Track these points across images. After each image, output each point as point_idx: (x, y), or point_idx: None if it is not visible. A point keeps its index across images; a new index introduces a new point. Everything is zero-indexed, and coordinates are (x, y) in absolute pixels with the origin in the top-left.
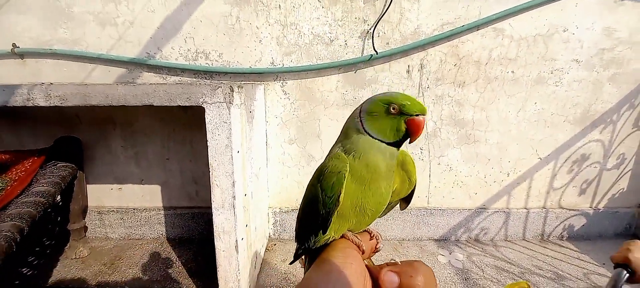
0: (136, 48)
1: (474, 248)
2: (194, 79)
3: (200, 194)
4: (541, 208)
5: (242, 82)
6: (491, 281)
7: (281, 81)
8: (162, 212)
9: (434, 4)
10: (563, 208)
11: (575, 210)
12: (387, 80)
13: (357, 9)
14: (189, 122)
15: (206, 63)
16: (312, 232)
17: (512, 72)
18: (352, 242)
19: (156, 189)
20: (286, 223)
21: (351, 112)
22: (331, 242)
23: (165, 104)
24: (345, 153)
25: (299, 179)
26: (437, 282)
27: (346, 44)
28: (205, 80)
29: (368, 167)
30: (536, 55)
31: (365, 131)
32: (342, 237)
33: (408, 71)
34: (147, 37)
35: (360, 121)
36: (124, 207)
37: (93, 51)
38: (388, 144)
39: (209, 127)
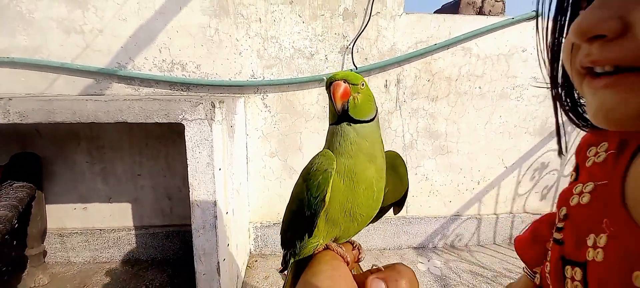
0: (105, 57)
1: (450, 254)
2: (169, 91)
3: (176, 211)
4: (508, 214)
5: (222, 95)
6: (467, 286)
7: (262, 94)
8: (133, 231)
9: (409, 23)
10: (527, 212)
11: (537, 213)
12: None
13: (336, 25)
14: (162, 135)
15: (183, 74)
16: (298, 236)
17: (479, 87)
18: (337, 253)
19: (126, 207)
20: (268, 238)
21: None
22: (317, 253)
23: (141, 121)
24: (329, 148)
25: (280, 192)
26: (418, 283)
27: (327, 58)
28: (182, 92)
29: (344, 155)
30: (499, 72)
31: (329, 122)
32: (326, 248)
33: (386, 85)
34: (118, 46)
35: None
36: (89, 228)
37: (56, 60)
38: (335, 124)
39: (189, 144)
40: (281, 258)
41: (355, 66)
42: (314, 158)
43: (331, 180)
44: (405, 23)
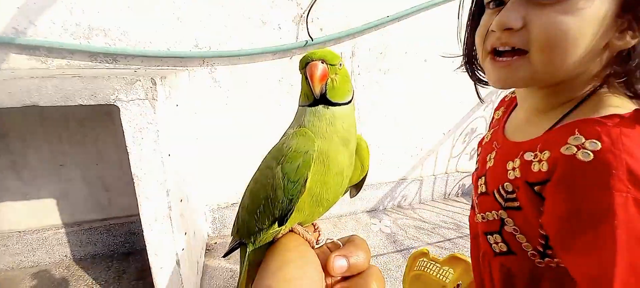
0: None
1: (398, 214)
2: (90, 63)
3: (117, 202)
4: (444, 174)
5: (159, 68)
6: (412, 239)
7: (209, 67)
8: (63, 229)
9: None
10: (459, 171)
11: (466, 172)
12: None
13: None
14: (87, 117)
15: (106, 43)
16: (264, 225)
17: (425, 60)
18: (304, 238)
19: (50, 204)
20: (226, 219)
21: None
22: (278, 238)
23: (59, 104)
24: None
25: (236, 172)
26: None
27: (280, 27)
28: (107, 65)
29: (324, 140)
30: (441, 46)
31: (299, 103)
32: (291, 231)
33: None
34: (13, 7)
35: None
36: (4, 230)
37: None
38: (310, 105)
39: (128, 129)
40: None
41: (311, 37)
42: (288, 138)
43: (313, 164)
44: None
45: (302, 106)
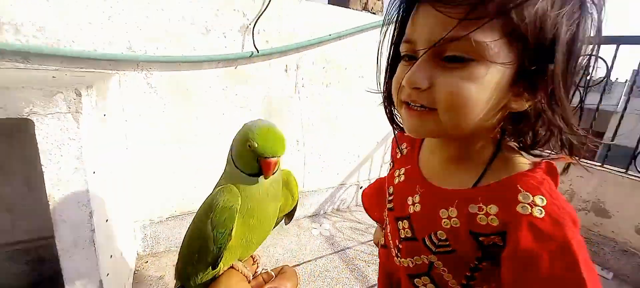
0: None
1: (337, 217)
2: None
3: (20, 225)
4: (377, 177)
5: (83, 70)
6: (348, 240)
7: (145, 72)
8: None
9: (308, 10)
10: None
11: None
12: (267, 77)
13: (235, 1)
14: None
15: (17, 39)
16: (200, 269)
17: (362, 76)
18: (242, 274)
19: None
20: (159, 234)
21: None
22: (220, 275)
23: None
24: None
25: (171, 185)
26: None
27: (225, 36)
28: (17, 65)
29: (249, 199)
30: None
31: (233, 162)
32: (232, 267)
33: (286, 70)
34: None
35: (231, 151)
36: None
37: None
38: (249, 174)
39: (43, 146)
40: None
41: (257, 49)
42: (217, 193)
43: (237, 216)
44: (305, 10)
45: (240, 170)
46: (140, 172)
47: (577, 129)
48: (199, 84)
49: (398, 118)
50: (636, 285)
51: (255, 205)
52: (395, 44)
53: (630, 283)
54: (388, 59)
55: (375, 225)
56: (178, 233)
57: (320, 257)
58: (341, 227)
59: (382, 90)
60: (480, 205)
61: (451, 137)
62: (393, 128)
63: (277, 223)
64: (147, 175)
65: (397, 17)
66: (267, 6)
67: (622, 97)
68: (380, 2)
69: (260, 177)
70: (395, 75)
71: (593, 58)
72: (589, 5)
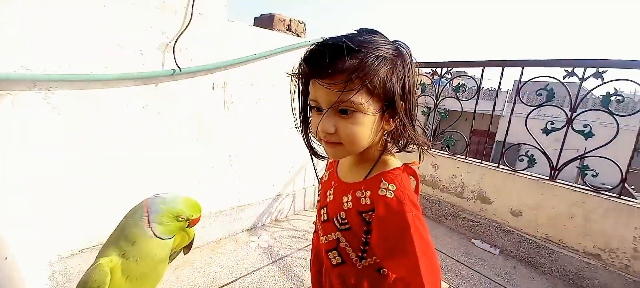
0: None
1: (275, 227)
2: None
3: None
4: (312, 186)
5: None
6: (286, 248)
7: (44, 91)
8: None
9: (233, 30)
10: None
11: None
12: (193, 93)
13: (153, 18)
14: None
15: None
16: None
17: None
18: None
19: None
20: (71, 270)
21: (131, 211)
22: None
23: None
24: (123, 257)
25: (82, 214)
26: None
27: (142, 53)
28: None
29: (153, 264)
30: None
31: (157, 236)
32: None
33: (213, 88)
34: None
35: (152, 230)
36: None
37: None
38: (169, 238)
39: None
40: None
41: (179, 68)
42: (92, 269)
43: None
44: (230, 30)
45: (160, 238)
46: (44, 203)
47: (418, 137)
48: (114, 103)
49: (314, 144)
50: (518, 257)
51: (145, 270)
52: (304, 98)
53: (514, 256)
54: (299, 108)
55: (311, 230)
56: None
57: (258, 269)
58: (279, 236)
59: (300, 127)
60: (362, 190)
61: (354, 153)
62: (310, 153)
63: (173, 258)
64: (51, 207)
65: (300, 84)
66: (186, 27)
67: (506, 103)
68: (302, 24)
69: (171, 239)
70: (311, 122)
71: (419, 90)
72: (404, 69)
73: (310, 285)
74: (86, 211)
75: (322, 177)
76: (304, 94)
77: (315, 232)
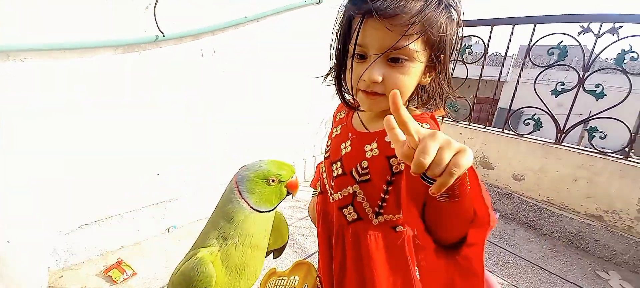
0: None
1: None
2: None
3: None
4: (312, 157)
5: None
6: (288, 218)
7: (14, 60)
8: None
9: None
10: (321, 154)
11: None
12: (182, 61)
13: None
14: None
15: None
16: None
17: (286, 58)
18: None
19: None
20: (75, 244)
21: (227, 186)
22: None
23: None
24: (224, 240)
25: (83, 187)
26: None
27: (122, 19)
28: None
29: (251, 249)
30: (300, 46)
31: (252, 208)
32: None
33: (201, 54)
34: None
35: (245, 201)
36: None
37: None
38: (269, 210)
39: None
40: (105, 260)
41: (162, 33)
42: (194, 265)
43: (223, 272)
44: None
45: (262, 211)
46: (40, 177)
47: (454, 92)
48: (95, 71)
49: (345, 93)
50: (518, 220)
51: (241, 258)
52: (343, 44)
53: (514, 220)
54: (337, 56)
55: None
56: (97, 241)
57: None
58: (281, 207)
59: (334, 78)
60: None
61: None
62: (343, 101)
63: (266, 255)
64: (51, 183)
65: (342, 25)
66: None
67: (510, 68)
68: None
69: (271, 211)
70: (354, 71)
71: (461, 42)
72: (457, 20)
73: (315, 251)
74: (83, 184)
75: (331, 132)
76: (343, 40)
77: (319, 194)
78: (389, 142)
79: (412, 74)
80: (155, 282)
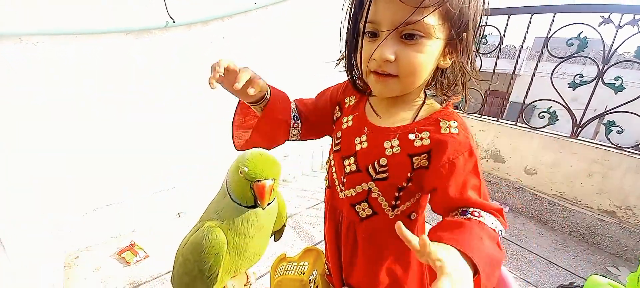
0: None
1: (283, 188)
2: None
3: None
4: (320, 146)
5: None
6: (296, 207)
7: (24, 42)
8: None
9: None
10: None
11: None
12: (194, 47)
13: None
14: None
15: None
16: None
17: (296, 46)
18: None
19: None
20: (89, 225)
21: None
22: None
23: None
24: (220, 220)
25: (93, 174)
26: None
27: (130, 2)
28: None
29: (239, 234)
30: (305, 34)
31: (229, 193)
32: None
33: (212, 41)
34: None
35: (227, 181)
36: None
37: None
38: (248, 206)
39: None
40: (119, 243)
41: (172, 19)
42: (204, 234)
43: (222, 261)
44: None
45: (236, 202)
46: (55, 168)
47: (477, 76)
48: (106, 57)
49: (356, 78)
50: (528, 215)
51: (243, 241)
52: (354, 21)
53: (524, 214)
54: (348, 35)
55: (319, 190)
56: (112, 223)
57: None
58: (288, 196)
59: (345, 61)
60: (417, 133)
61: (404, 92)
62: (353, 85)
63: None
64: (64, 169)
65: (353, 1)
66: None
67: (524, 61)
68: None
69: (249, 212)
70: (364, 50)
71: (485, 27)
72: None
73: (321, 240)
74: (92, 173)
75: (340, 121)
76: (354, 18)
77: (327, 188)
78: (413, 140)
79: (429, 53)
80: (167, 264)
